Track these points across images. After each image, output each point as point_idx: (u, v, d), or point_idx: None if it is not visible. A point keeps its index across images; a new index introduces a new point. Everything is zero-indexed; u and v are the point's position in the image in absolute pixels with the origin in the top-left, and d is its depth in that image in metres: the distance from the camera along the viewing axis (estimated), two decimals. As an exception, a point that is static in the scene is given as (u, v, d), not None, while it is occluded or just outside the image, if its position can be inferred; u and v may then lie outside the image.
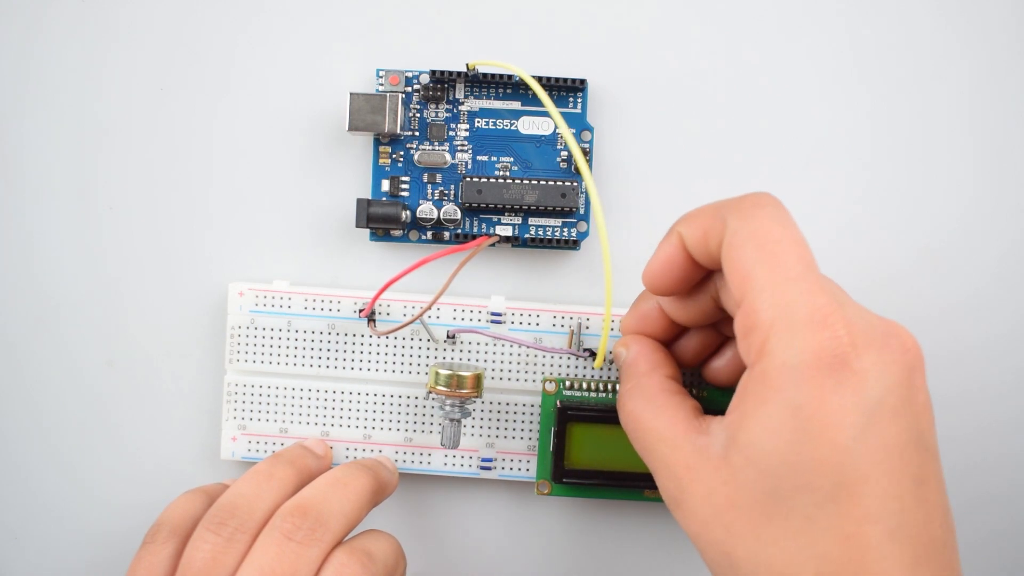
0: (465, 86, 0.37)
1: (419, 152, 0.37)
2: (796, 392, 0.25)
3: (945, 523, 0.26)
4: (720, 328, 0.32)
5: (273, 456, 0.35)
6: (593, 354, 0.36)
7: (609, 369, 0.37)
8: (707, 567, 0.27)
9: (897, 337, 0.26)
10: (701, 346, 0.32)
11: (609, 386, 0.36)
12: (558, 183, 0.36)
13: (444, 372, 0.34)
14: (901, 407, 0.25)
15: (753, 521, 0.26)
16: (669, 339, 0.33)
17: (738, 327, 0.27)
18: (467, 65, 0.36)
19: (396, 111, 0.36)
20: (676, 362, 0.32)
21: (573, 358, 0.37)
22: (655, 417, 0.29)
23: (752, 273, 0.26)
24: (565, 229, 0.37)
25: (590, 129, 0.37)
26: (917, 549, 0.25)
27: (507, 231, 0.37)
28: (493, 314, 0.37)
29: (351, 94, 0.36)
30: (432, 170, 0.37)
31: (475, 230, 0.37)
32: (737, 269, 0.27)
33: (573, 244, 0.37)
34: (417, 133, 0.37)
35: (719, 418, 0.28)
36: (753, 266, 0.26)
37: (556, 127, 0.37)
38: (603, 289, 0.36)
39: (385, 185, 0.37)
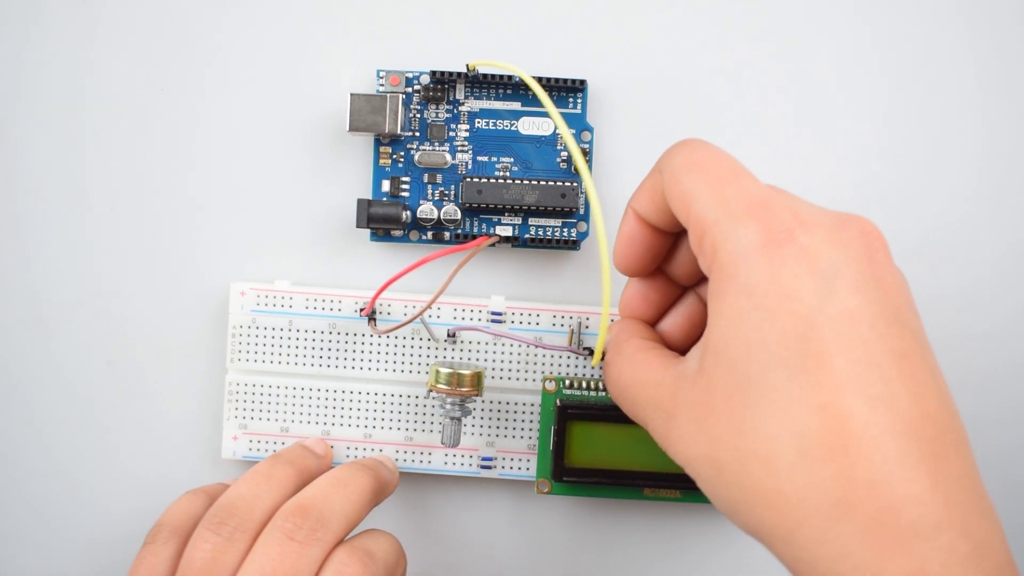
0: (465, 87, 0.37)
1: (419, 152, 0.37)
2: (748, 274, 0.25)
3: (943, 405, 0.24)
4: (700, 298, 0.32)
5: (273, 456, 0.35)
6: (591, 352, 0.36)
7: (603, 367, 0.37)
8: (703, 491, 0.27)
9: (856, 221, 0.26)
10: (687, 322, 0.32)
11: (609, 385, 0.36)
12: (558, 183, 0.36)
13: (444, 370, 0.35)
14: (862, 282, 0.25)
15: (731, 417, 0.25)
16: (655, 319, 0.33)
17: (692, 244, 0.27)
18: (467, 66, 0.36)
19: (396, 112, 0.36)
20: (657, 334, 0.32)
21: (573, 357, 0.37)
22: (635, 370, 0.29)
23: (690, 190, 0.27)
24: (565, 229, 0.37)
25: (590, 129, 0.37)
26: (908, 423, 0.23)
27: (507, 231, 0.37)
28: (493, 313, 0.37)
29: (352, 95, 0.36)
30: (432, 170, 0.37)
31: (475, 230, 0.37)
32: (679, 196, 0.27)
33: (573, 244, 0.37)
34: (417, 133, 0.37)
35: (693, 348, 0.28)
36: (690, 185, 0.27)
37: (556, 127, 0.37)
38: (603, 289, 0.36)
39: (385, 185, 0.38)
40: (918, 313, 0.26)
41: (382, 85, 0.37)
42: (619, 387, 0.30)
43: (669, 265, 0.31)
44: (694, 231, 0.27)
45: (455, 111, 0.37)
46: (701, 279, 0.31)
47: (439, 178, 0.37)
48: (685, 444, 0.27)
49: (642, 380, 0.29)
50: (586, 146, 0.37)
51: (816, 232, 0.25)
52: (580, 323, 0.37)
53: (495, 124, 0.37)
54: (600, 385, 0.36)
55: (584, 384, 0.36)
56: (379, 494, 0.34)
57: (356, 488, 0.33)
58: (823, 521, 0.23)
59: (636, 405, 0.29)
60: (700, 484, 0.27)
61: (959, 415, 0.25)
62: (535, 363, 0.37)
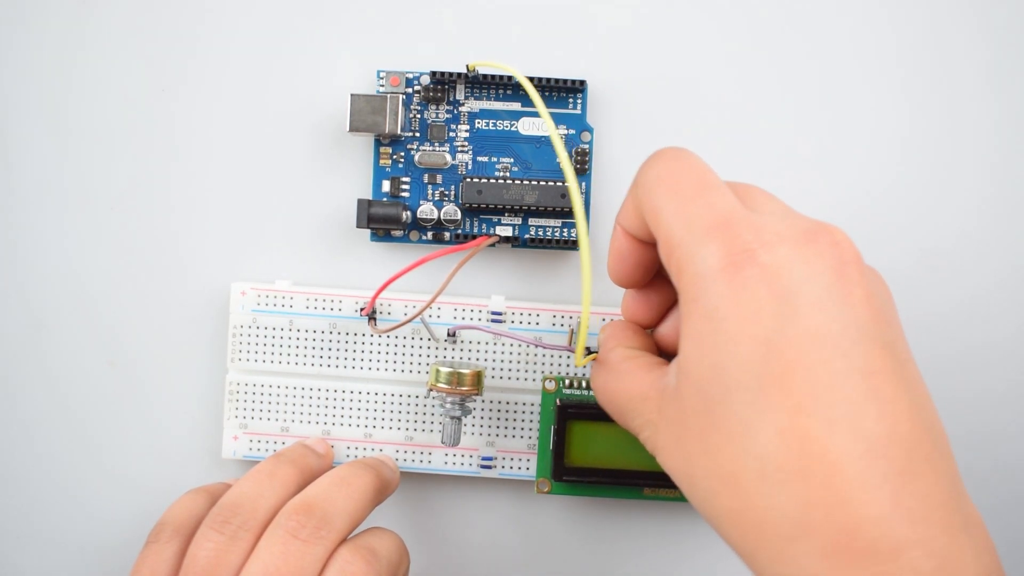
0: (465, 87, 0.37)
1: (419, 153, 0.37)
2: (709, 297, 0.25)
3: (912, 420, 0.24)
4: None
5: (275, 455, 0.35)
6: (589, 351, 0.36)
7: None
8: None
9: (825, 232, 0.25)
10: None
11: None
12: (558, 183, 0.36)
13: (445, 370, 0.35)
14: (827, 299, 0.24)
15: (701, 437, 0.25)
16: (656, 321, 0.33)
17: (663, 262, 0.27)
18: (467, 66, 0.36)
19: (397, 112, 0.36)
20: (648, 339, 0.32)
21: (573, 357, 0.37)
22: (619, 382, 0.29)
23: (658, 206, 0.27)
24: (565, 229, 0.37)
25: (590, 130, 0.37)
26: (871, 443, 0.23)
27: (507, 231, 0.37)
28: (493, 313, 0.37)
29: (352, 95, 0.36)
30: (432, 171, 0.38)
31: (475, 230, 0.37)
32: (649, 212, 0.27)
33: (573, 244, 0.37)
34: (417, 134, 0.37)
35: (675, 360, 0.28)
36: (657, 201, 0.27)
37: (546, 126, 0.37)
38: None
39: (386, 186, 0.38)
40: (896, 324, 0.26)
41: (382, 85, 0.37)
42: (604, 396, 0.30)
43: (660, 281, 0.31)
44: (662, 249, 0.27)
45: (455, 111, 0.37)
46: None
47: (439, 178, 0.38)
48: (666, 457, 0.27)
49: (627, 391, 0.29)
50: (586, 146, 0.37)
51: (778, 249, 0.25)
52: (580, 322, 0.37)
53: (495, 124, 0.37)
54: (600, 385, 0.36)
55: (584, 384, 0.36)
56: (381, 493, 0.34)
57: (359, 486, 0.33)
58: (782, 542, 0.24)
59: (623, 415, 0.29)
60: (688, 498, 0.27)
61: (939, 427, 0.25)
62: (535, 363, 0.37)
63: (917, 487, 0.23)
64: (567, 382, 0.36)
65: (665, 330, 0.32)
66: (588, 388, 0.36)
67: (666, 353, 0.32)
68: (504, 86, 0.37)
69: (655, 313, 0.32)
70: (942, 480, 0.24)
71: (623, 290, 0.37)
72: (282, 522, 0.31)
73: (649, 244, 0.30)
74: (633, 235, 0.29)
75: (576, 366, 0.37)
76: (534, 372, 0.37)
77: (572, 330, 0.37)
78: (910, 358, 0.25)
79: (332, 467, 0.36)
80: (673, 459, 0.27)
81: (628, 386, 0.29)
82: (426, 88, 0.37)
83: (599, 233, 0.38)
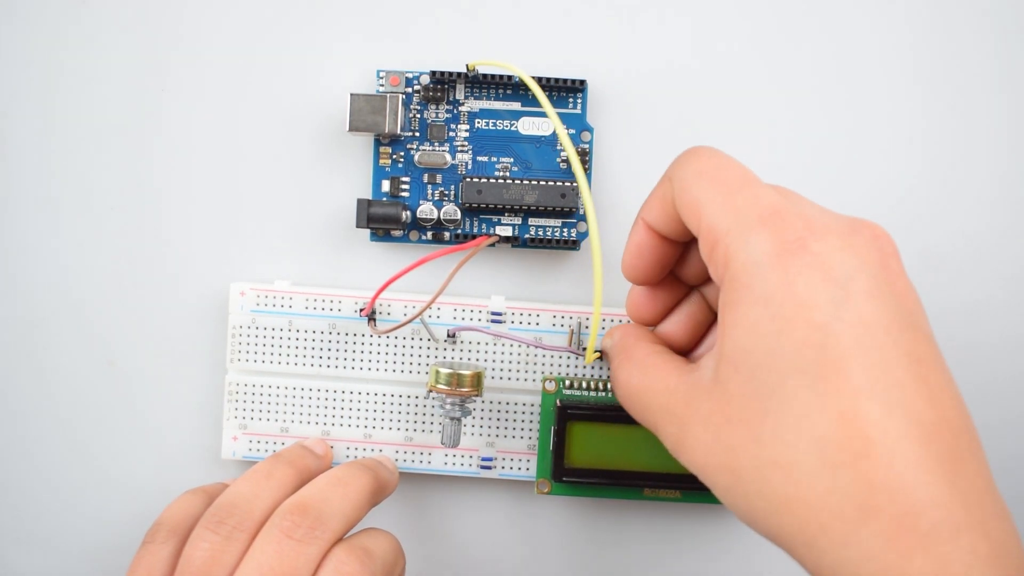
0: (465, 87, 0.37)
1: (419, 153, 0.37)
2: (763, 284, 0.25)
3: (957, 408, 0.25)
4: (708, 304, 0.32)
5: (273, 456, 0.35)
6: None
7: (604, 368, 0.37)
8: (719, 498, 0.27)
9: (867, 227, 0.26)
10: (690, 322, 0.32)
11: (609, 385, 0.36)
12: (558, 183, 0.36)
13: (444, 371, 0.35)
14: (876, 288, 0.25)
15: (750, 426, 0.25)
16: (660, 319, 0.33)
17: (703, 254, 0.27)
18: (467, 66, 0.36)
19: (396, 112, 0.36)
20: (663, 337, 0.32)
21: (573, 357, 0.37)
22: (645, 376, 0.29)
23: (700, 199, 0.27)
24: (565, 229, 0.37)
25: (590, 129, 0.37)
26: (925, 427, 0.24)
27: (507, 231, 0.37)
28: (493, 314, 0.37)
29: (352, 95, 0.36)
30: (432, 170, 0.37)
31: (475, 230, 0.37)
32: (688, 204, 0.27)
33: (573, 244, 0.37)
34: (417, 134, 0.37)
35: (705, 354, 0.28)
36: (700, 194, 0.27)
37: (555, 129, 0.37)
38: (606, 290, 0.36)
39: (385, 185, 0.38)
40: (926, 316, 0.26)
41: (382, 85, 0.37)
42: (628, 392, 0.30)
43: (678, 268, 0.31)
44: (705, 241, 0.27)
45: (455, 111, 0.37)
46: (707, 279, 0.31)
47: (439, 178, 0.37)
48: (700, 453, 0.27)
49: (654, 387, 0.29)
50: (586, 146, 0.37)
51: (828, 239, 0.25)
52: (580, 323, 0.37)
53: (495, 124, 0.37)
54: (600, 385, 0.36)
55: (584, 384, 0.36)
56: (378, 494, 0.34)
57: (355, 487, 0.33)
58: (845, 525, 0.23)
59: (647, 411, 0.29)
60: (716, 492, 0.27)
61: (971, 419, 0.25)
62: (535, 363, 0.37)
63: (967, 472, 0.24)
64: (567, 383, 0.36)
65: (672, 326, 0.32)
66: (588, 389, 0.36)
67: (675, 348, 0.32)
68: (504, 86, 0.37)
69: (661, 311, 0.32)
70: (983, 468, 0.24)
71: (625, 290, 0.37)
72: (277, 522, 0.31)
73: (670, 241, 0.30)
74: (656, 230, 0.30)
75: (586, 363, 0.37)
76: (534, 373, 0.37)
77: (572, 330, 0.37)
78: (941, 352, 0.26)
79: (331, 468, 0.36)
80: (711, 454, 0.26)
81: (654, 381, 0.29)
82: (426, 88, 0.37)
83: (600, 232, 0.38)
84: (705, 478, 0.27)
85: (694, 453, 0.27)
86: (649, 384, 0.29)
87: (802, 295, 0.25)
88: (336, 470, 0.34)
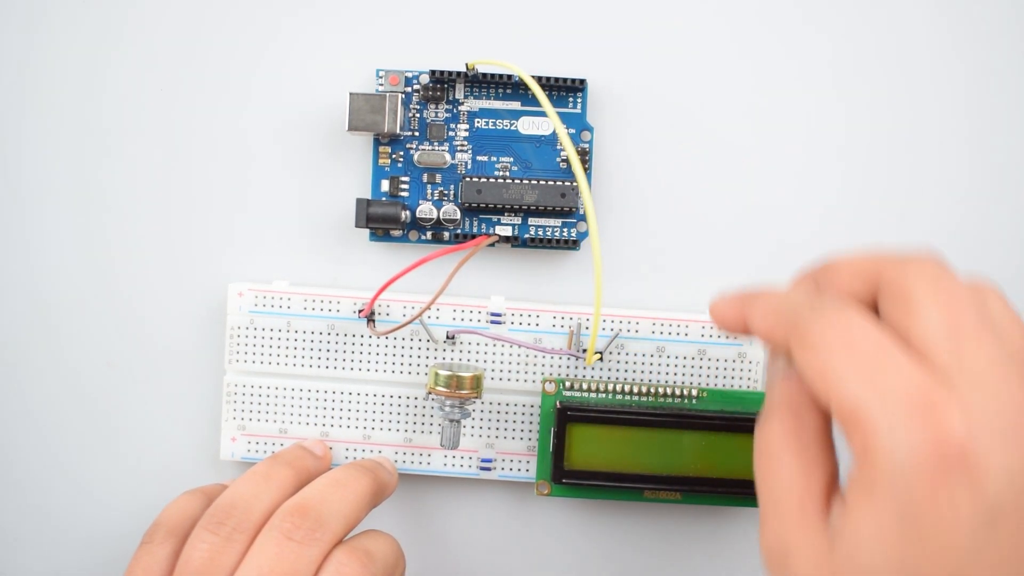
0: (465, 86, 0.37)
1: (419, 152, 0.37)
2: (905, 492, 0.22)
3: None
4: None
5: (272, 457, 0.35)
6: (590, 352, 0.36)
7: (604, 369, 0.37)
8: None
9: None
10: None
11: (609, 387, 0.36)
12: (558, 183, 0.36)
13: (444, 373, 0.34)
14: (1018, 507, 0.22)
15: None
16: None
17: (837, 422, 0.24)
18: (467, 65, 0.36)
19: (396, 111, 0.36)
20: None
21: (573, 359, 0.37)
22: (795, 460, 0.25)
23: (830, 366, 0.23)
24: (565, 229, 0.37)
25: (590, 129, 0.37)
26: None
27: (507, 231, 0.37)
28: (493, 314, 0.37)
29: (351, 94, 0.36)
30: (432, 170, 0.37)
31: (475, 230, 0.37)
32: (818, 371, 0.24)
33: (573, 244, 0.37)
34: (417, 133, 0.37)
35: (839, 501, 0.25)
36: (830, 359, 0.24)
37: (555, 128, 0.37)
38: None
39: (385, 185, 0.37)
40: None
41: (381, 84, 0.37)
42: (765, 449, 0.26)
43: None
44: (839, 414, 0.23)
45: (454, 111, 0.37)
46: None
47: (438, 178, 0.37)
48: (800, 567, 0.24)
49: (791, 481, 0.25)
50: (586, 146, 0.37)
51: (985, 438, 0.22)
52: (580, 324, 0.37)
53: (495, 124, 0.37)
54: (600, 387, 0.36)
55: (584, 386, 0.36)
56: (378, 495, 0.34)
57: (355, 489, 0.33)
58: None
59: (767, 487, 0.26)
60: None
61: None
62: (535, 364, 0.37)
63: None
64: (567, 384, 0.36)
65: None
66: (588, 390, 0.36)
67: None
68: (504, 85, 0.37)
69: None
70: None
71: (625, 290, 0.37)
72: (277, 523, 0.31)
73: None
74: (732, 322, 0.27)
75: (587, 365, 0.36)
76: (534, 374, 0.37)
77: (572, 331, 0.37)
78: None
79: (330, 468, 0.36)
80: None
81: (797, 478, 0.25)
82: (425, 87, 0.37)
83: (600, 232, 0.37)
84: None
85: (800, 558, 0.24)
86: (790, 474, 0.25)
87: (945, 516, 0.22)
88: (336, 472, 0.34)
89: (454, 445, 0.35)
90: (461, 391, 0.34)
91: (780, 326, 0.26)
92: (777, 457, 0.25)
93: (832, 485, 0.25)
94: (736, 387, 0.37)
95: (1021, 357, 0.24)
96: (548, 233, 0.37)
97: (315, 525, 0.31)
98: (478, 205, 0.36)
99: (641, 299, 0.38)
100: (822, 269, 0.27)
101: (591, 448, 0.35)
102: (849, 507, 0.23)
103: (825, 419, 0.26)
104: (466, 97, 0.37)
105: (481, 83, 0.37)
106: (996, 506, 0.22)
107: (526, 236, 0.37)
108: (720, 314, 0.28)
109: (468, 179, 0.36)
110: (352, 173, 0.38)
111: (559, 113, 0.37)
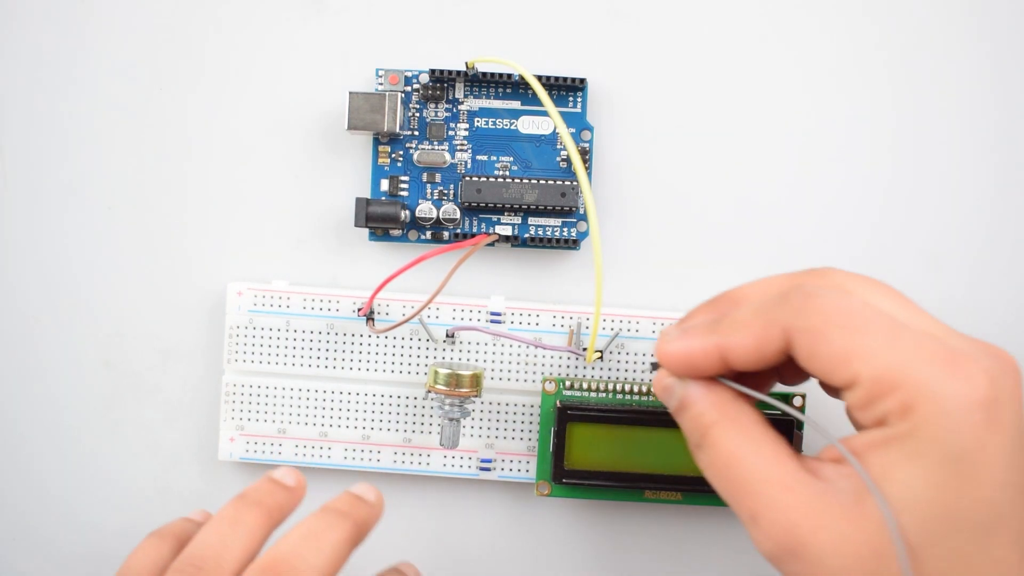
0: (465, 85, 0.37)
1: (418, 151, 0.37)
2: (957, 439, 0.24)
3: None
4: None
5: (239, 497, 0.32)
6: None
7: (605, 369, 0.37)
8: None
9: (1005, 356, 0.26)
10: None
11: (609, 386, 0.36)
12: (558, 183, 0.36)
13: (443, 371, 0.34)
14: (1021, 436, 0.25)
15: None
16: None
17: (857, 403, 0.26)
18: (466, 64, 0.36)
19: (395, 110, 0.36)
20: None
21: (573, 358, 0.37)
22: (758, 455, 0.27)
23: (854, 348, 0.25)
24: (565, 229, 0.37)
25: (590, 129, 0.37)
26: None
27: (507, 231, 0.37)
28: (493, 314, 0.37)
29: (350, 93, 0.36)
30: (431, 169, 0.37)
31: (474, 229, 0.37)
32: (834, 356, 0.26)
33: (573, 244, 0.37)
34: (416, 132, 0.37)
35: (831, 464, 0.26)
36: (851, 342, 0.25)
37: (556, 127, 0.37)
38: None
39: (384, 184, 0.37)
40: None
41: (381, 84, 0.37)
42: (725, 465, 0.27)
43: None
44: (872, 385, 0.25)
45: (454, 110, 0.37)
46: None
47: (438, 177, 0.37)
48: (824, 571, 0.25)
49: (763, 472, 0.26)
50: (586, 145, 0.37)
51: (998, 382, 0.25)
52: (580, 323, 0.36)
53: (494, 123, 0.37)
54: (600, 386, 0.36)
55: (584, 385, 0.36)
56: (357, 538, 0.31)
57: (330, 541, 0.30)
58: None
59: (744, 495, 0.27)
60: None
61: None
62: (535, 364, 0.37)
63: None
64: (567, 383, 0.36)
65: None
66: (588, 390, 0.36)
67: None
68: (504, 84, 0.37)
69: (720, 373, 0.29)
70: None
71: (626, 290, 0.37)
72: None
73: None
74: (732, 366, 0.27)
75: (587, 362, 0.36)
76: (534, 373, 0.37)
77: (572, 331, 0.36)
78: None
79: (304, 495, 0.33)
80: (835, 561, 0.25)
81: (766, 466, 0.26)
82: (425, 86, 0.37)
83: (600, 231, 0.37)
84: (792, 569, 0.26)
85: (817, 570, 0.26)
86: (758, 467, 0.26)
87: (991, 454, 0.24)
88: (310, 521, 0.31)
89: (454, 444, 0.35)
90: (461, 389, 0.34)
91: (772, 327, 0.26)
92: (744, 460, 0.27)
93: (798, 454, 0.27)
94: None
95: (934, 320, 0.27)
96: (548, 232, 0.37)
97: None
98: (478, 204, 0.36)
99: (641, 299, 0.38)
100: (721, 297, 0.29)
101: (591, 448, 0.35)
102: (891, 465, 0.25)
103: (755, 406, 0.28)
104: (466, 96, 0.37)
105: (481, 82, 0.37)
106: (1016, 433, 0.25)
107: (526, 235, 0.37)
108: (687, 353, 0.28)
109: (468, 178, 0.36)
110: (352, 172, 0.38)
111: (559, 112, 0.37)
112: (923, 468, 0.25)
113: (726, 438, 0.27)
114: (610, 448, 0.35)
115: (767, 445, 0.27)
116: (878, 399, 0.25)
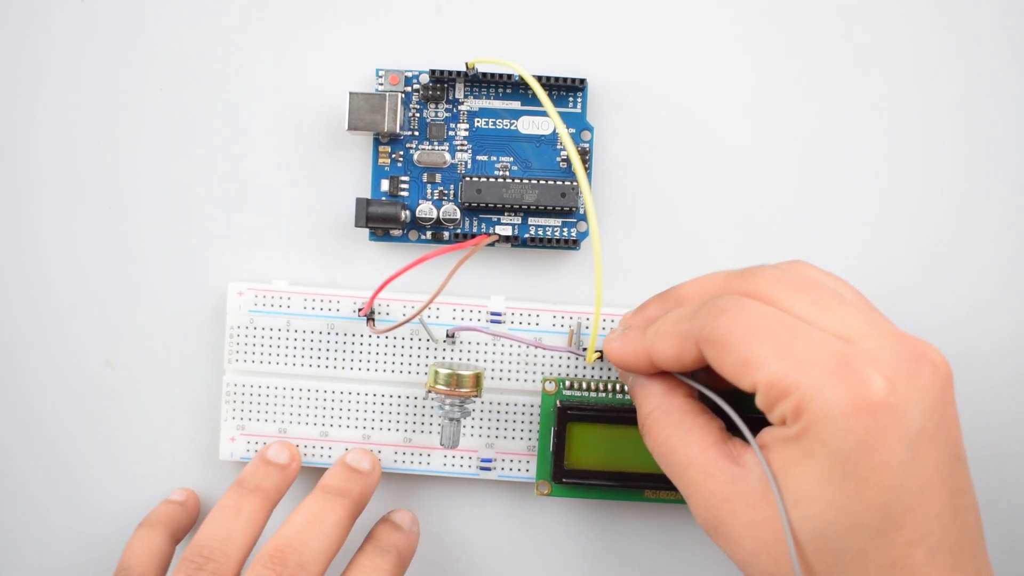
0: (465, 86, 0.37)
1: (419, 152, 0.37)
2: (841, 443, 0.25)
3: (975, 522, 0.27)
4: None
5: (237, 483, 0.34)
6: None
7: (604, 369, 0.37)
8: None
9: (925, 358, 0.26)
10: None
11: (609, 386, 0.36)
12: (558, 183, 0.36)
13: (444, 371, 0.34)
14: (936, 430, 0.26)
15: (801, 557, 0.26)
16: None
17: (761, 403, 0.27)
18: (467, 64, 0.36)
19: (395, 111, 0.36)
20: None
21: (573, 358, 0.37)
22: (683, 442, 0.29)
23: (752, 356, 0.27)
24: (565, 229, 0.37)
25: (590, 129, 0.37)
26: (955, 556, 0.26)
27: (507, 231, 0.37)
28: (493, 314, 0.37)
29: (350, 94, 0.36)
30: (431, 170, 0.37)
31: (475, 230, 0.37)
32: (736, 364, 0.27)
33: (573, 244, 0.37)
34: (417, 133, 0.37)
35: (749, 450, 0.28)
36: (750, 351, 0.27)
37: (555, 127, 0.37)
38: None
39: (384, 185, 0.37)
40: (961, 432, 0.27)
41: (381, 84, 0.37)
42: (660, 450, 0.30)
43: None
44: (768, 392, 0.27)
45: (454, 110, 0.37)
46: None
47: (438, 177, 0.37)
48: (744, 553, 0.27)
49: (689, 457, 0.29)
50: (586, 145, 0.37)
51: (899, 388, 0.25)
52: (580, 323, 0.37)
53: (494, 123, 0.37)
54: (600, 386, 0.36)
55: (584, 385, 0.36)
56: (356, 512, 0.34)
57: (331, 522, 0.33)
58: None
59: (676, 476, 0.29)
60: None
61: (978, 511, 0.27)
62: (535, 364, 0.37)
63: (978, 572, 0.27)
64: (567, 383, 0.36)
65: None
66: (588, 389, 0.36)
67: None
68: (504, 84, 0.37)
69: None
70: (984, 564, 0.27)
71: (625, 289, 0.37)
72: (258, 571, 0.31)
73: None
74: (658, 365, 0.30)
75: (587, 362, 0.36)
76: (534, 373, 0.37)
77: (572, 330, 0.37)
78: (965, 454, 0.27)
79: (300, 468, 0.36)
80: (755, 558, 0.27)
81: (692, 452, 0.29)
82: (425, 87, 0.37)
83: (600, 231, 0.37)
84: (744, 572, 0.28)
85: (734, 549, 0.28)
86: (684, 452, 0.29)
87: (878, 456, 0.25)
88: (311, 504, 0.33)
89: (454, 444, 0.35)
90: (461, 389, 0.34)
91: (687, 339, 0.28)
92: (675, 447, 0.29)
93: (727, 438, 0.29)
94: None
95: (870, 306, 0.28)
96: (548, 233, 0.37)
97: (296, 569, 0.31)
98: (478, 205, 0.36)
99: (641, 299, 0.37)
100: (668, 293, 0.32)
101: (591, 447, 0.35)
102: (788, 461, 0.26)
103: (690, 391, 0.30)
104: (466, 96, 0.37)
105: (481, 82, 0.37)
106: (915, 440, 0.25)
107: (526, 236, 0.37)
108: (621, 356, 0.31)
109: (468, 179, 0.36)
110: (352, 173, 0.38)
111: (559, 113, 0.37)
112: (814, 468, 0.26)
113: (658, 427, 0.30)
114: (610, 448, 0.35)
115: (694, 433, 0.29)
116: (775, 402, 0.26)
